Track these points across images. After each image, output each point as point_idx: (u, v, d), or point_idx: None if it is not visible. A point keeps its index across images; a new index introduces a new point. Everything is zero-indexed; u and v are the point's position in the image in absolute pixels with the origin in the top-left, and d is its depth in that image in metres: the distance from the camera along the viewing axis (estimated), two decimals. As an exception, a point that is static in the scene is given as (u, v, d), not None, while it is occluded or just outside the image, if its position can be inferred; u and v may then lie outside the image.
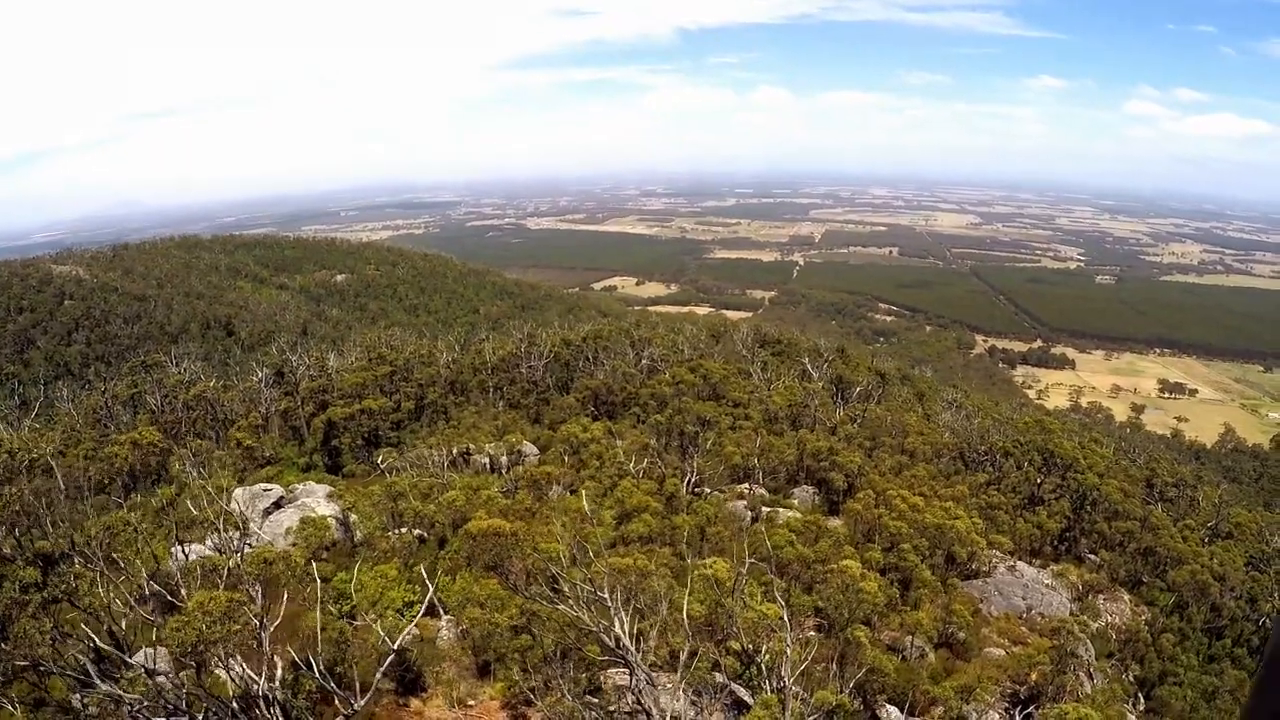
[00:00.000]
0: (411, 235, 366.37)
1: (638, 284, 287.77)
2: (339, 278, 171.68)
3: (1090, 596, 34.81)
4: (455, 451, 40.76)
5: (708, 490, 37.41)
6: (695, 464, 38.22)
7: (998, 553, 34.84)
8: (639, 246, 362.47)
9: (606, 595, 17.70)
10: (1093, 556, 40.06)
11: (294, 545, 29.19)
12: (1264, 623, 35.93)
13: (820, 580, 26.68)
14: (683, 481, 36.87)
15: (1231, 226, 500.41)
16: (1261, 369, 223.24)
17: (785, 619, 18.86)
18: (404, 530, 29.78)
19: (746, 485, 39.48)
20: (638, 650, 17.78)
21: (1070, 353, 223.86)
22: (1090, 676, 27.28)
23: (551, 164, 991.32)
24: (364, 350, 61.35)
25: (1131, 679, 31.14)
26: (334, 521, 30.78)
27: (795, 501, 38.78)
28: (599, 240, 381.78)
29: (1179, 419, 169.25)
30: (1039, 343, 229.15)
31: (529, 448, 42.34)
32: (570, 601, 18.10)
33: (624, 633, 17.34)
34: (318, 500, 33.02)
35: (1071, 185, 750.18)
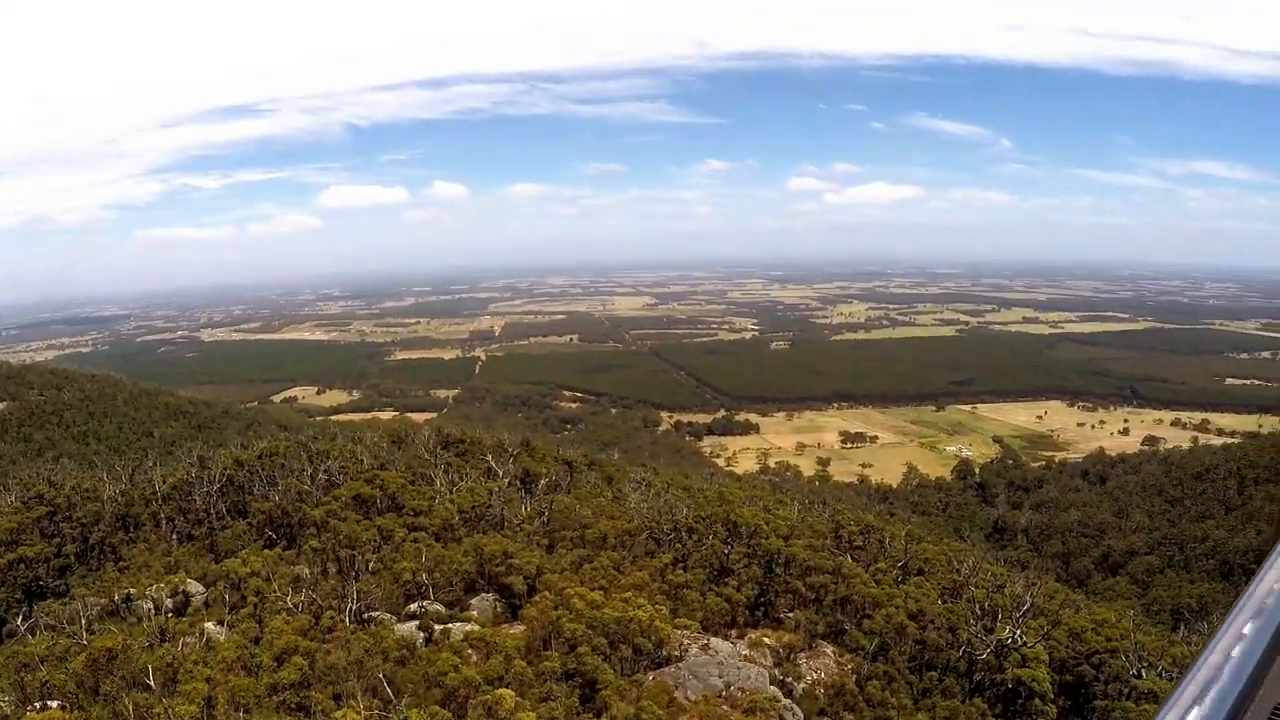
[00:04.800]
0: (79, 354, 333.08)
1: (319, 393, 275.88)
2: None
3: (791, 658, 33.87)
4: (117, 598, 35.92)
5: (377, 614, 34.31)
6: (355, 589, 35.06)
7: (688, 634, 33.37)
8: (318, 353, 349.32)
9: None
10: (791, 616, 39.37)
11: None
12: (965, 651, 36.10)
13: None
14: (344, 610, 33.58)
15: (893, 283, 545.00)
16: (934, 408, 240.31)
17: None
18: (36, 707, 25.43)
19: (418, 604, 36.60)
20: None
21: (754, 418, 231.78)
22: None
23: (225, 271, 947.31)
24: (22, 489, 54.57)
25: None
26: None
27: (475, 613, 36.10)
28: (276, 349, 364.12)
29: (864, 465, 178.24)
30: (723, 412, 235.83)
31: (195, 586, 37.89)
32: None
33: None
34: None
35: (742, 260, 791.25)
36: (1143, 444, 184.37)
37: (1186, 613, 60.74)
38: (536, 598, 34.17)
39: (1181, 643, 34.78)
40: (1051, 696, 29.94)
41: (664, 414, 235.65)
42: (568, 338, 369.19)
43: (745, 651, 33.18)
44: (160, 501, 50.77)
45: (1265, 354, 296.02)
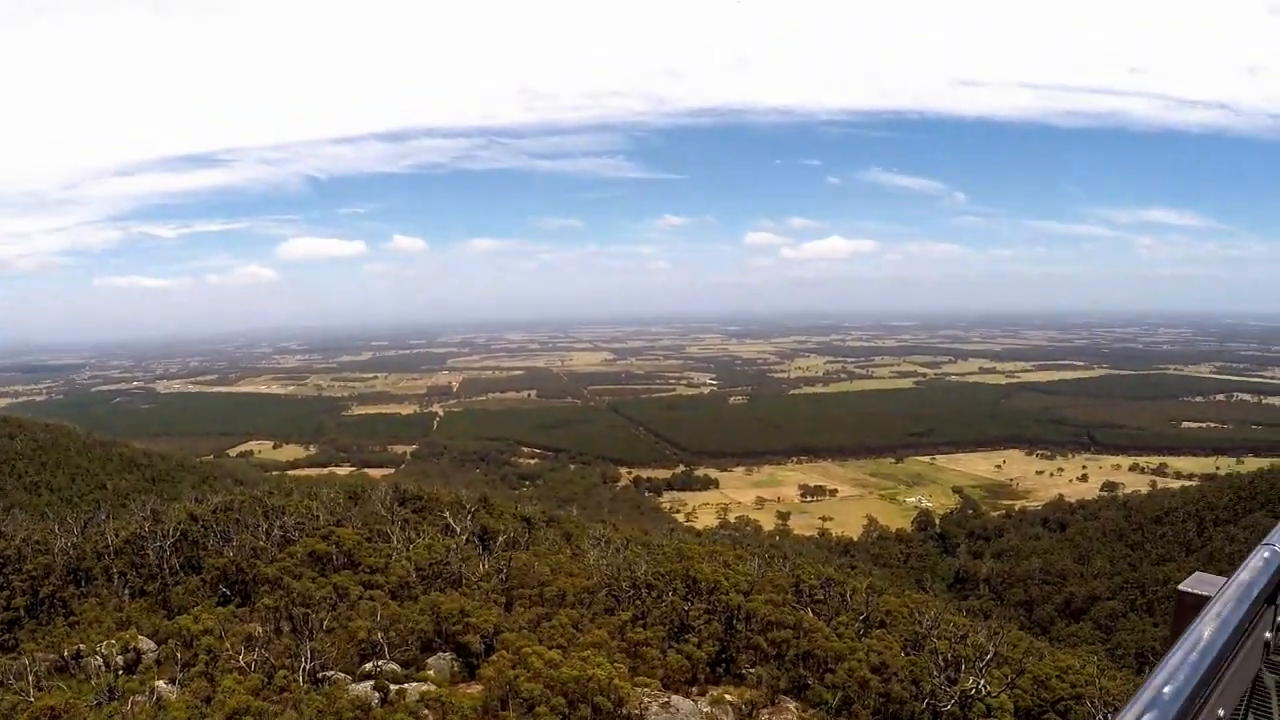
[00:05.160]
0: (33, 403, 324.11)
1: (275, 447, 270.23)
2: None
3: (754, 715, 33.49)
4: (66, 654, 34.94)
5: (331, 674, 33.64)
6: (309, 648, 34.39)
7: (648, 691, 32.95)
8: (275, 407, 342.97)
9: None
10: (753, 671, 39.03)
11: None
12: (929, 703, 35.92)
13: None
14: (298, 669, 32.89)
15: (850, 337, 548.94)
16: (893, 460, 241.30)
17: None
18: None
19: (373, 663, 35.96)
20: None
21: (713, 473, 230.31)
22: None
23: (182, 321, 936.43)
24: (-31, 540, 53.09)
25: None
26: None
27: (431, 672, 35.47)
28: (233, 402, 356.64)
29: (824, 519, 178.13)
30: (682, 468, 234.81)
31: (146, 643, 36.86)
32: None
33: None
34: None
35: (700, 315, 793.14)
36: (1101, 490, 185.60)
37: (1151, 656, 60.77)
38: (494, 656, 33.61)
39: (1146, 688, 34.81)
40: (1016, 746, 29.80)
41: (623, 470, 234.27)
42: (526, 393, 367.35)
43: (706, 709, 32.75)
44: (112, 555, 49.48)
45: (1220, 396, 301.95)
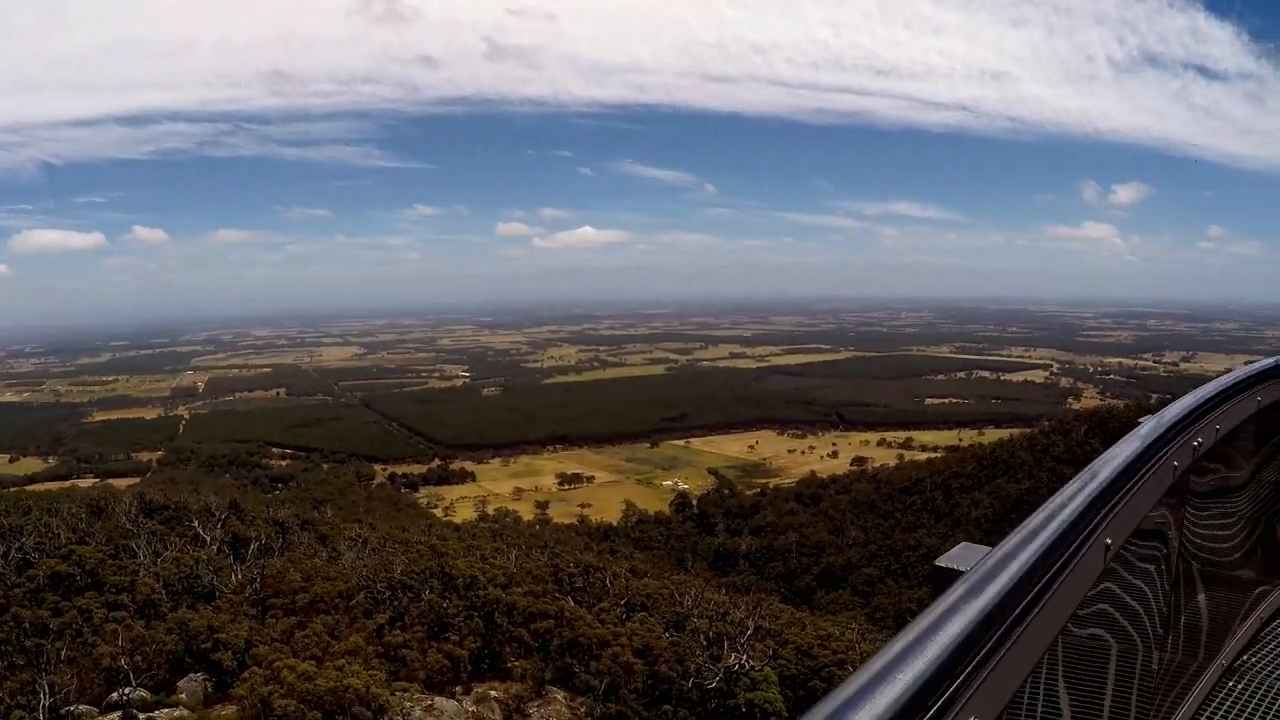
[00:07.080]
0: None
1: (11, 460, 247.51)
2: None
3: (521, 708, 32.98)
4: None
5: (74, 708, 31.21)
6: (47, 682, 31.83)
7: (409, 696, 32.04)
8: (9, 416, 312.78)
9: None
10: (517, 664, 38.54)
11: None
12: (695, 681, 36.17)
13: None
14: (37, 707, 30.40)
15: (603, 325, 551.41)
16: (649, 445, 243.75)
17: None
18: None
19: (120, 691, 33.63)
20: None
21: (469, 465, 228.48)
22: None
23: None
24: None
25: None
26: None
27: (183, 695, 33.45)
28: None
29: (583, 505, 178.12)
30: (437, 462, 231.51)
31: None
32: None
33: None
34: None
35: (451, 307, 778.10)
36: (852, 464, 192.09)
37: (908, 616, 63.09)
38: (246, 674, 31.95)
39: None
40: (786, 715, 30.24)
41: (378, 466, 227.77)
42: (275, 392, 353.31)
43: (472, 708, 32.03)
44: None
45: (960, 374, 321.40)
